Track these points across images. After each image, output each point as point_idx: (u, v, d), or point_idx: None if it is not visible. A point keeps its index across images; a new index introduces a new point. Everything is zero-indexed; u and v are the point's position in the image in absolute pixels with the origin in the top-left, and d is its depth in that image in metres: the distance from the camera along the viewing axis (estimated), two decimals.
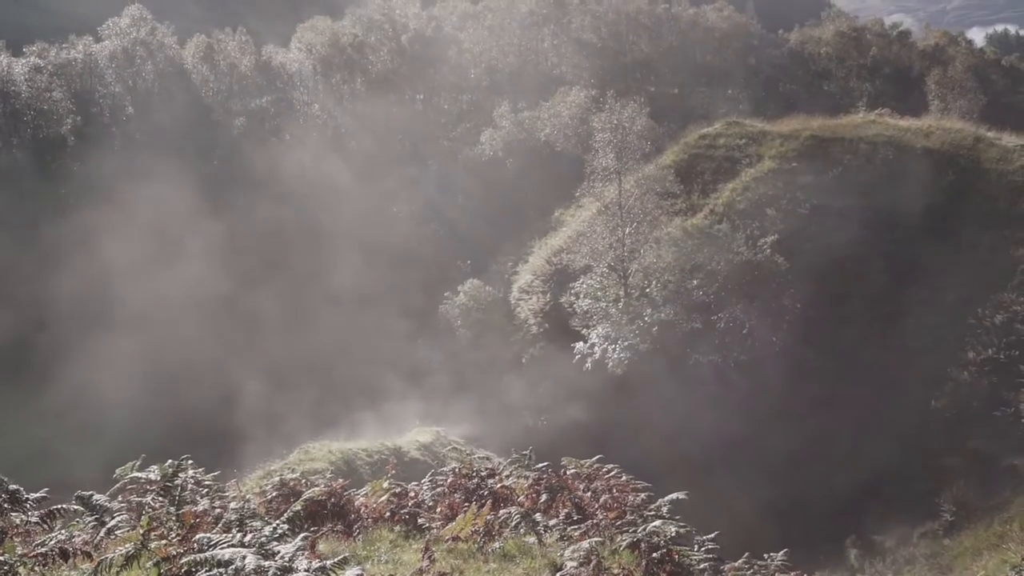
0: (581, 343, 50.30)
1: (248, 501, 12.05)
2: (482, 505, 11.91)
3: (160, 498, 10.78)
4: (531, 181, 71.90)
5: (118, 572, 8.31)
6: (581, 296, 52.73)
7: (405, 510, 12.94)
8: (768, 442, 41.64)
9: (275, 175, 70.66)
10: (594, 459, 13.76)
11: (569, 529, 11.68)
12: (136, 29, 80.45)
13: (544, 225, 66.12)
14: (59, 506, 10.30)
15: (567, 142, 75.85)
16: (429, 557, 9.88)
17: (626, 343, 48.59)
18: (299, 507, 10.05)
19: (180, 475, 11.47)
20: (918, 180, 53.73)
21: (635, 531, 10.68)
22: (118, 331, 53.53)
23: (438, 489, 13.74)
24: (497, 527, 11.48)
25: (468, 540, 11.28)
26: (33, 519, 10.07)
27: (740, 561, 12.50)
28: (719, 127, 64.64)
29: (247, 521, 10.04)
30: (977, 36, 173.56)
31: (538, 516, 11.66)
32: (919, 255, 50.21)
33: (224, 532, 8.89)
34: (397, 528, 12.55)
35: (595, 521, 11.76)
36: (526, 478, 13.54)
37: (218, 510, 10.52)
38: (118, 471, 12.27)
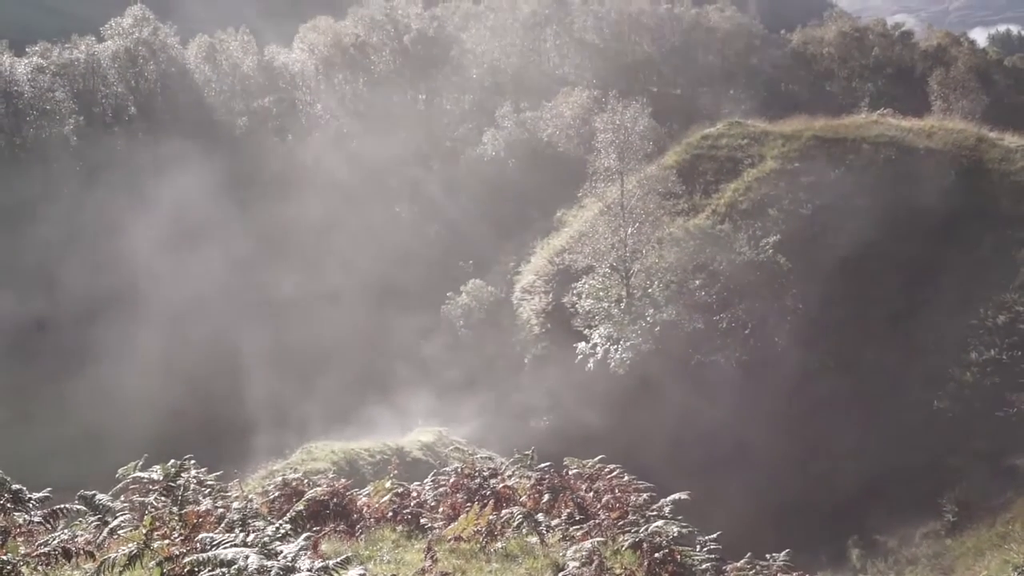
0: (583, 343, 50.30)
1: (251, 501, 12.06)
2: (484, 505, 11.93)
3: (163, 498, 10.80)
4: (533, 181, 71.85)
5: (121, 572, 8.33)
6: (583, 296, 52.73)
7: (407, 510, 12.95)
8: (770, 442, 41.63)
9: (277, 175, 70.71)
10: (596, 459, 13.77)
11: (571, 529, 11.69)
12: (139, 29, 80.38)
13: (546, 225, 66.08)
14: (62, 506, 10.32)
15: (569, 142, 75.79)
16: (431, 557, 9.89)
17: (628, 343, 48.58)
18: (302, 507, 10.05)
19: (182, 475, 11.50)
20: (920, 181, 53.71)
21: (637, 531, 10.69)
22: (121, 329, 53.75)
23: (440, 489, 13.76)
24: (499, 527, 11.50)
25: (470, 540, 11.29)
26: (36, 519, 10.08)
27: (742, 561, 12.50)
28: (721, 127, 64.65)
29: (250, 521, 10.04)
30: (980, 36, 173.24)
31: (540, 516, 11.67)
32: (922, 256, 50.18)
33: (227, 532, 8.90)
34: (399, 528, 12.56)
35: (597, 521, 11.77)
36: (528, 478, 13.55)
37: (221, 510, 10.52)
38: (120, 471, 12.29)
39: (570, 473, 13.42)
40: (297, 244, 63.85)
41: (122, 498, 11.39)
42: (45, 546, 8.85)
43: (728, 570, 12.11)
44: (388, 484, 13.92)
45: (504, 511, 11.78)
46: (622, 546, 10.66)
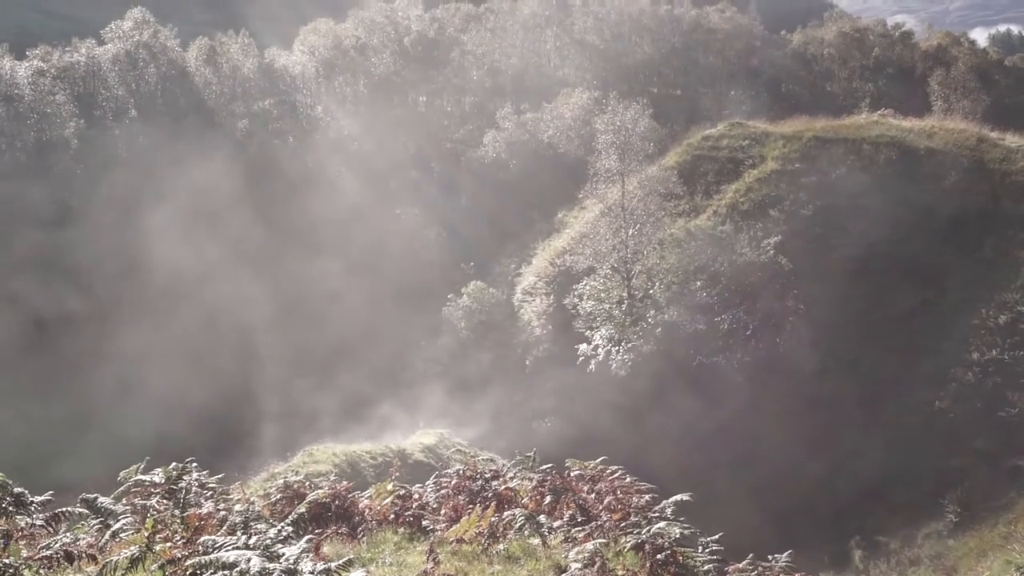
0: (584, 345, 50.30)
1: (252, 504, 12.06)
2: (486, 507, 11.92)
3: (165, 501, 10.79)
4: (534, 183, 71.90)
5: (123, 575, 8.33)
6: (584, 298, 52.72)
7: (409, 512, 12.94)
8: (772, 443, 41.59)
9: (278, 177, 70.72)
10: (598, 461, 13.75)
11: (573, 531, 11.67)
12: (139, 32, 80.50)
13: (547, 227, 66.12)
14: (64, 509, 10.32)
15: (570, 144, 75.86)
16: (433, 559, 9.88)
17: (629, 345, 48.58)
18: (303, 509, 10.07)
19: (184, 478, 11.49)
20: (921, 181, 53.74)
21: (639, 533, 10.68)
22: (122, 330, 53.79)
23: (442, 491, 13.75)
24: (501, 529, 11.49)
25: (472, 542, 11.28)
26: (38, 522, 10.09)
27: (744, 562, 12.48)
28: (722, 128, 64.71)
29: (252, 523, 10.05)
30: (980, 36, 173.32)
31: (542, 518, 11.66)
32: (923, 256, 50.19)
33: (229, 534, 8.91)
34: (401, 530, 12.55)
35: (599, 523, 11.76)
36: (530, 480, 13.55)
37: (223, 512, 10.52)
38: (122, 474, 12.31)
39: (572, 475, 13.41)
40: (298, 246, 63.78)
41: (124, 501, 11.39)
42: (47, 549, 8.86)
43: (730, 571, 12.09)
44: (390, 486, 13.90)
45: (506, 513, 11.77)
46: (624, 547, 10.65)
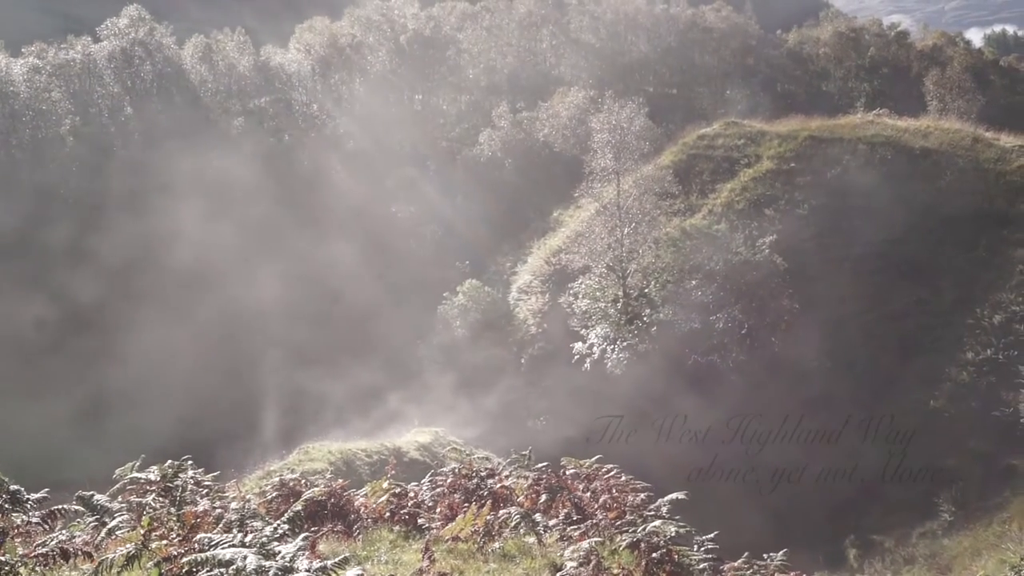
0: (580, 343, 50.34)
1: (248, 501, 12.06)
2: (482, 505, 11.93)
3: (161, 498, 10.79)
4: (530, 181, 71.95)
5: (119, 572, 8.33)
6: (580, 296, 52.75)
7: (405, 510, 12.95)
8: (767, 442, 41.59)
9: (273, 175, 70.62)
10: (593, 459, 13.76)
11: (569, 529, 11.69)
12: (135, 29, 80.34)
13: (543, 225, 66.15)
14: (60, 506, 10.31)
15: (566, 142, 75.90)
16: (429, 557, 9.89)
17: (625, 343, 48.62)
18: (299, 507, 10.06)
19: (180, 475, 11.50)
20: (916, 181, 53.81)
21: (635, 531, 10.70)
22: (122, 333, 53.81)
23: (438, 489, 13.75)
24: (497, 527, 11.50)
25: (468, 540, 11.29)
26: (34, 519, 10.08)
27: (739, 561, 12.49)
28: (717, 127, 64.76)
29: (248, 521, 10.05)
30: (975, 36, 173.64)
31: (538, 516, 11.68)
32: (918, 255, 50.29)
33: (225, 532, 8.90)
34: (397, 528, 12.56)
35: (595, 521, 11.77)
36: (526, 478, 13.56)
37: (219, 510, 10.52)
38: (118, 471, 12.30)
39: (567, 473, 13.42)
40: (293, 245, 63.71)
41: (120, 499, 11.38)
42: (43, 547, 8.85)
43: (725, 570, 12.11)
44: (385, 484, 13.92)
45: (502, 511, 11.78)
46: (619, 546, 10.67)
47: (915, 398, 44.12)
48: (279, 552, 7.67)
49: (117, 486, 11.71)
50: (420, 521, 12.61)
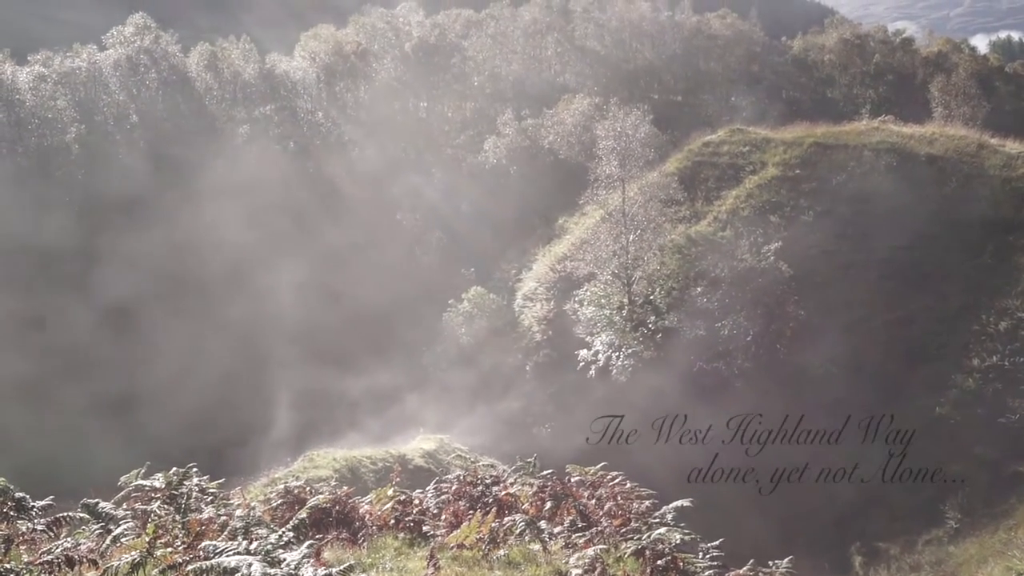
0: (585, 350, 50.33)
1: (253, 509, 12.06)
2: (487, 512, 11.91)
3: (166, 506, 10.79)
4: (535, 189, 71.94)
5: None
6: (585, 303, 52.76)
7: (410, 517, 12.93)
8: (772, 449, 41.53)
9: (279, 183, 70.72)
10: (598, 466, 13.73)
11: (574, 536, 11.66)
12: (140, 37, 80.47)
13: (548, 232, 66.17)
14: (65, 514, 10.32)
15: (571, 150, 75.91)
16: (434, 564, 9.88)
17: (630, 350, 48.60)
18: (304, 515, 10.05)
19: (185, 483, 11.49)
20: (922, 187, 53.76)
21: (640, 538, 10.67)
22: (122, 336, 53.83)
23: (443, 496, 13.74)
24: (502, 534, 11.48)
25: (473, 547, 11.27)
26: (39, 527, 10.08)
27: (745, 568, 12.45)
28: (723, 134, 64.78)
29: (252, 529, 10.04)
30: (981, 43, 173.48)
31: (543, 523, 11.64)
32: (923, 262, 50.23)
33: (230, 540, 8.90)
34: (402, 535, 12.54)
35: (600, 528, 11.74)
36: (530, 485, 13.53)
37: (224, 518, 10.52)
38: (123, 478, 12.31)
39: (572, 480, 13.39)
40: (298, 250, 63.76)
41: (125, 506, 11.39)
42: (48, 554, 8.85)
43: None
44: (390, 492, 13.90)
45: (506, 518, 11.76)
46: (625, 553, 10.64)
47: (921, 404, 44.04)
48: (284, 560, 7.66)
49: (122, 493, 11.72)
50: (425, 528, 12.59)
